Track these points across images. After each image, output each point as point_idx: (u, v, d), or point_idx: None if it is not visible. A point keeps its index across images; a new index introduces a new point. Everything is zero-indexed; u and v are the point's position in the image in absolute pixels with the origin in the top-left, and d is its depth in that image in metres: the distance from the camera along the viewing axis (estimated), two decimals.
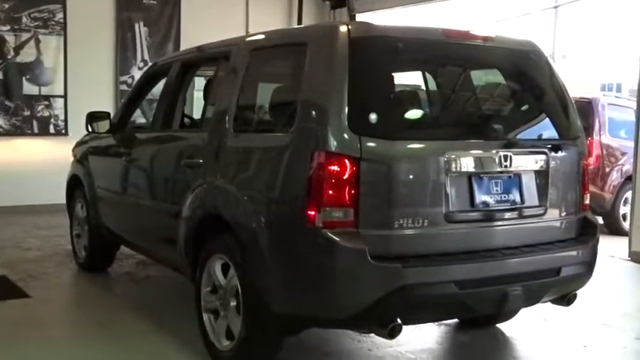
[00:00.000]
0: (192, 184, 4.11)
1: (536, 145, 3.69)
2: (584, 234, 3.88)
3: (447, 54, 3.68)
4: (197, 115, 5.58)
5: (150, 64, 10.23)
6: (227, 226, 3.73)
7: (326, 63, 3.34)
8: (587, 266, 3.81)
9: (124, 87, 10.15)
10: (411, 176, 3.29)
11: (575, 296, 3.84)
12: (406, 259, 3.21)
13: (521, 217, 3.57)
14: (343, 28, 3.37)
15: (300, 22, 11.41)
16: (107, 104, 9.84)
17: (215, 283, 3.89)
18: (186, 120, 5.12)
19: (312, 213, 3.19)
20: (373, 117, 3.27)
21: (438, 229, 3.34)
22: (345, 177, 3.17)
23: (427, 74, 3.87)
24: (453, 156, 3.36)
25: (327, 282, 3.21)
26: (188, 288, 4.50)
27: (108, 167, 5.64)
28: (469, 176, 3.42)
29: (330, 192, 3.17)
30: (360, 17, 11.29)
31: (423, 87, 3.73)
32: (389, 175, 3.23)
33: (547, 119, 3.86)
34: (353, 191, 3.17)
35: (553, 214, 3.72)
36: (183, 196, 4.18)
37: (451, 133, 3.58)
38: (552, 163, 3.69)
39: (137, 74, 10.19)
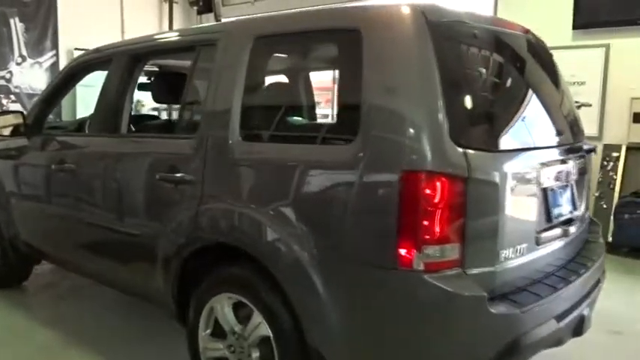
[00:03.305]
0: (177, 205, 2.41)
1: (580, 149, 2.48)
2: (592, 232, 2.77)
3: (512, 46, 2.30)
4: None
5: (29, 59, 7.77)
6: (245, 259, 2.16)
7: (402, 55, 1.86)
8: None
9: (1, 82, 7.54)
10: (515, 195, 1.95)
11: None
12: (513, 300, 1.88)
13: (577, 226, 2.38)
14: (415, 10, 1.90)
15: (171, 25, 9.35)
16: None
17: (224, 326, 2.29)
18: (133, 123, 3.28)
19: (407, 252, 1.76)
20: (476, 123, 1.91)
21: (532, 255, 2.04)
22: (451, 204, 1.76)
23: (505, 70, 2.30)
24: (542, 166, 2.09)
25: (434, 344, 1.80)
26: (131, 300, 2.89)
27: (29, 175, 3.54)
28: (544, 188, 2.14)
29: (433, 224, 1.75)
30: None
31: (507, 84, 2.35)
32: (496, 197, 1.87)
33: (575, 118, 2.63)
34: (460, 221, 1.79)
35: (586, 217, 2.60)
36: (162, 217, 2.48)
37: (539, 138, 2.22)
38: (587, 166, 2.56)
39: (15, 69, 7.64)
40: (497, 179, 1.86)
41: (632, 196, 5.20)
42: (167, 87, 2.98)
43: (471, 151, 1.81)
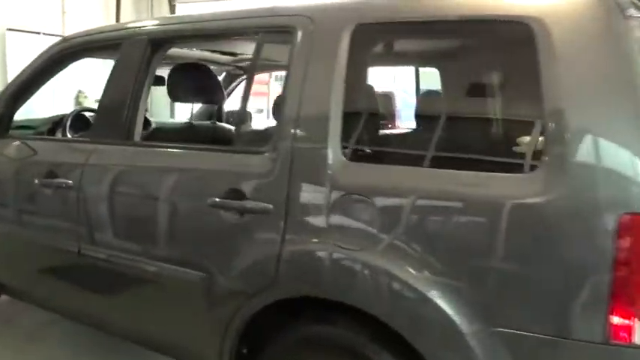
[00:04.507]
0: (243, 242, 1.81)
1: None
2: None
3: None
4: None
5: None
6: (349, 316, 1.63)
7: (606, 61, 1.39)
8: None
9: None
10: None
11: None
12: None
13: None
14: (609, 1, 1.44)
15: (118, 5, 8.39)
16: None
17: None
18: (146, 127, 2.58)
19: (625, 322, 1.31)
20: None
21: None
22: None
23: None
24: None
25: None
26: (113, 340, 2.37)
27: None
28: None
29: None
30: (180, 8, 8.71)
31: None
32: None
33: None
34: None
35: None
36: (217, 256, 1.87)
37: None
38: None
39: None
40: None
41: None
42: (196, 82, 2.35)
43: None
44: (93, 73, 7.70)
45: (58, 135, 3.08)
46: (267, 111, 9.23)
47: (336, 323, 1.69)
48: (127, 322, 2.27)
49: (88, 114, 3.21)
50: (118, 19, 8.24)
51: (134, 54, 2.27)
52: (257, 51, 1.97)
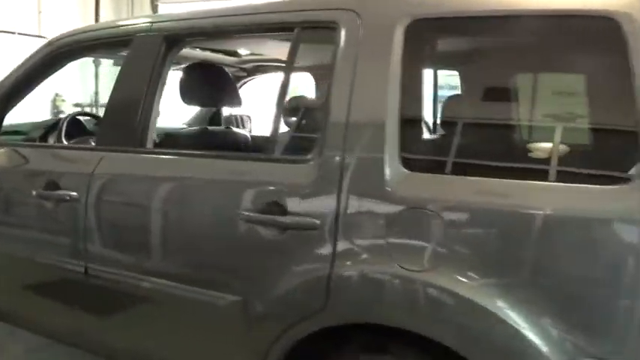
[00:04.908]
0: (284, 261, 1.61)
1: None
2: None
3: None
4: None
5: None
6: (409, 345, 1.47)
7: None
8: None
9: None
10: None
11: None
12: None
13: None
14: None
15: (97, 9, 8.06)
16: None
17: None
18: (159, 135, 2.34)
19: None
20: None
21: None
22: None
23: None
24: None
25: None
26: None
27: None
28: None
29: None
30: (163, 8, 8.42)
31: None
32: None
33: None
34: None
35: None
36: (253, 277, 1.67)
37: None
38: None
39: None
40: None
41: None
42: (214, 85, 2.14)
43: None
44: (70, 75, 7.42)
45: (52, 141, 2.83)
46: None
47: (393, 351, 1.52)
48: (140, 350, 2.03)
49: (83, 118, 2.96)
50: (97, 19, 7.93)
51: (147, 52, 2.05)
52: (293, 49, 1.78)
